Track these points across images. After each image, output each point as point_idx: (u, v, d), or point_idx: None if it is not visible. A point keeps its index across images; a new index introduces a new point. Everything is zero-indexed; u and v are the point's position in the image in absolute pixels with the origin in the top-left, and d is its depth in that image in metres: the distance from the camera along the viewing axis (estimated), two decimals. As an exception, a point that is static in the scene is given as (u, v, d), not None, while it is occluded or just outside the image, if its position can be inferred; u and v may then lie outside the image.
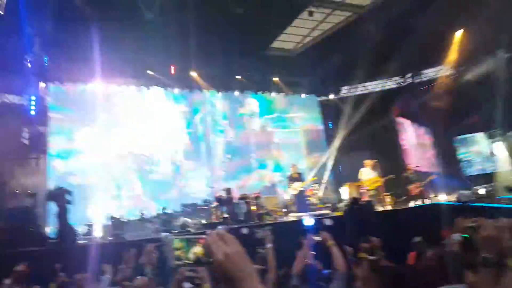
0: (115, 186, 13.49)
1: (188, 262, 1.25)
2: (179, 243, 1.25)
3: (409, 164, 13.50)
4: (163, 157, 14.87)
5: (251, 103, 17.04)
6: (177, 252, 1.24)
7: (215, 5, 11.61)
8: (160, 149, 14.88)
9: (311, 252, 3.48)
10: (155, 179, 14.42)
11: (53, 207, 8.57)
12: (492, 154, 14.10)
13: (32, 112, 11.67)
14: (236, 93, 16.40)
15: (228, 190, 12.50)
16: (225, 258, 1.10)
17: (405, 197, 12.10)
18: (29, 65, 11.47)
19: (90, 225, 9.96)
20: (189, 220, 11.05)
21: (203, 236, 1.18)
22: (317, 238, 3.52)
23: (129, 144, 14.25)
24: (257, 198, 12.06)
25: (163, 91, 15.32)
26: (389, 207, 11.41)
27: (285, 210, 12.38)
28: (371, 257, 3.60)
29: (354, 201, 9.08)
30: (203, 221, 11.26)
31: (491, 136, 14.21)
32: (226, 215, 11.33)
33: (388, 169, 12.29)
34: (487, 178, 13.88)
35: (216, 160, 15.76)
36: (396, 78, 17.49)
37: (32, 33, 11.15)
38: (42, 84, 12.49)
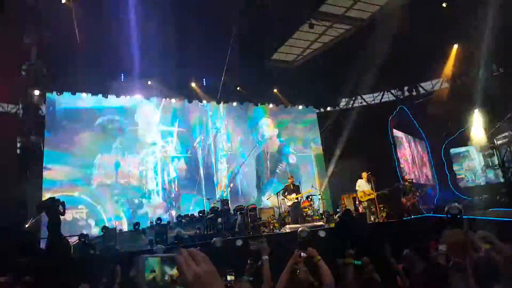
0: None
1: (161, 284, 1.21)
2: (153, 263, 1.21)
3: (404, 177, 13.52)
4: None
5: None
6: (152, 274, 1.20)
7: (217, 16, 11.67)
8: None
9: (298, 266, 3.45)
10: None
11: (44, 218, 8.47)
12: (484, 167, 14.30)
13: (27, 122, 11.56)
14: (235, 104, 16.34)
15: (224, 202, 12.45)
16: (194, 279, 1.07)
17: (397, 210, 12.08)
18: (24, 73, 11.39)
19: (83, 236, 9.84)
20: (183, 231, 10.95)
21: (175, 255, 1.13)
22: (304, 254, 3.48)
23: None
24: (252, 209, 11.99)
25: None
26: (381, 220, 11.36)
27: (281, 221, 12.28)
28: (356, 262, 3.72)
29: (346, 213, 9.05)
30: (197, 232, 11.16)
31: (482, 149, 14.38)
32: (221, 226, 11.25)
33: (383, 181, 12.29)
34: (478, 190, 14.05)
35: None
36: (394, 91, 17.65)
37: (29, 41, 11.13)
38: (37, 93, 12.31)
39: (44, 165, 11.99)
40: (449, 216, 7.67)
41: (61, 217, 8.53)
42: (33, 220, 9.77)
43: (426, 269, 3.50)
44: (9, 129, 11.11)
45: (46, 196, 11.30)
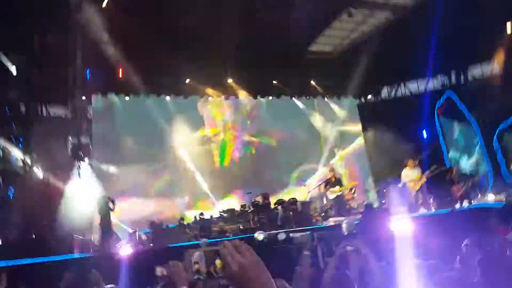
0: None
1: (205, 274, 1.26)
2: (198, 255, 1.26)
3: (452, 166, 12.89)
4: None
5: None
6: (196, 266, 1.25)
7: (252, 9, 11.60)
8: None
9: (343, 260, 3.38)
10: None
11: (96, 215, 8.90)
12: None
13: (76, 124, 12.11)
14: (271, 98, 16.20)
15: (264, 196, 12.46)
16: (240, 270, 1.10)
17: (448, 199, 11.56)
18: (71, 77, 11.90)
19: (132, 232, 10.23)
20: (226, 225, 11.13)
21: (219, 247, 1.17)
22: (349, 248, 3.40)
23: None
24: (293, 203, 11.93)
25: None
26: (432, 209, 10.95)
27: (323, 214, 12.16)
28: None
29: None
30: (241, 227, 11.29)
31: None
32: (263, 221, 11.31)
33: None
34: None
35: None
36: (440, 76, 16.80)
37: (78, 46, 11.61)
38: (84, 96, 12.81)
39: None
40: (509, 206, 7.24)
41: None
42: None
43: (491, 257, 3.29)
44: (59, 131, 11.69)
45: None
